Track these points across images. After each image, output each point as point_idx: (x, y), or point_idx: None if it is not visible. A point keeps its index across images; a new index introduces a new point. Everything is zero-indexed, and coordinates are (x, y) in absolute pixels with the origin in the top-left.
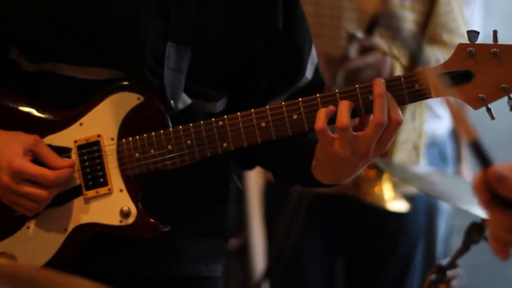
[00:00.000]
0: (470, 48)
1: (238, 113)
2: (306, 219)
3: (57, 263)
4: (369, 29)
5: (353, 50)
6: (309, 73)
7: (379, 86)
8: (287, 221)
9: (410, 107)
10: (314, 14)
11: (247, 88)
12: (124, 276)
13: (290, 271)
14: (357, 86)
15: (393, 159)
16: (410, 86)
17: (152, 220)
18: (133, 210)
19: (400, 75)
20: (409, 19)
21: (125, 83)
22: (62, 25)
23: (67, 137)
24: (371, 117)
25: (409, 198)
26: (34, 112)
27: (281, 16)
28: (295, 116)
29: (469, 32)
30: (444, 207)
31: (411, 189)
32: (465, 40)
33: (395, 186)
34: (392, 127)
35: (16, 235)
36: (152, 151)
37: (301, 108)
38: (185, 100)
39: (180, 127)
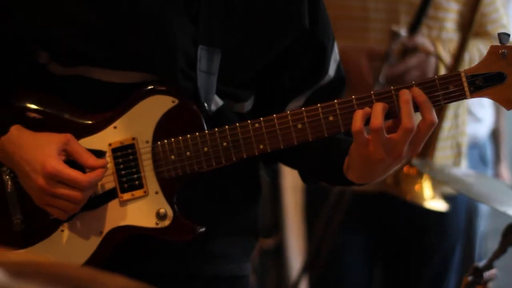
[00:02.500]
0: (503, 50)
1: (274, 115)
2: (346, 218)
3: (92, 266)
4: (413, 28)
5: (395, 48)
6: (331, 71)
7: (406, 93)
8: (327, 220)
9: (452, 106)
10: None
11: (273, 86)
12: (156, 277)
13: (329, 270)
14: (392, 88)
15: (434, 160)
16: (444, 88)
17: (188, 222)
18: (170, 212)
19: (435, 77)
20: (454, 10)
21: (159, 86)
22: (93, 30)
23: (101, 140)
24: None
25: (450, 198)
26: (66, 115)
27: (307, 15)
28: (331, 118)
29: (500, 34)
30: (482, 208)
31: (451, 190)
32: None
33: (435, 185)
34: (426, 128)
35: (49, 238)
36: (188, 153)
37: (337, 110)
38: (217, 101)
39: (216, 129)
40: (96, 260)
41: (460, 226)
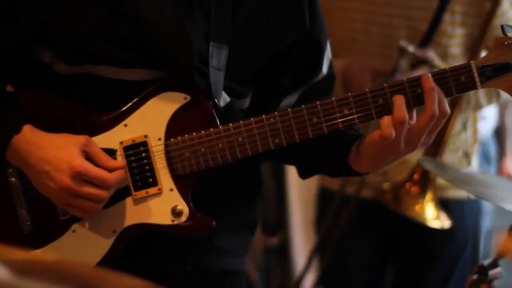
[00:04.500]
0: (509, 42)
1: (289, 110)
2: (353, 223)
3: (107, 266)
4: (425, 40)
5: (403, 64)
6: (325, 68)
7: (429, 80)
8: (333, 225)
9: (461, 118)
10: (364, 31)
11: (270, 83)
12: (162, 273)
13: (335, 274)
14: (405, 80)
15: (442, 159)
16: (456, 79)
17: (204, 217)
18: (185, 209)
19: (446, 68)
20: (459, 35)
21: (170, 82)
22: (107, 28)
23: (112, 138)
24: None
25: (458, 202)
26: (76, 114)
27: (308, 14)
28: (346, 111)
29: (503, 26)
30: (486, 206)
31: (461, 194)
32: None
33: (442, 191)
34: (440, 118)
35: (60, 239)
36: (202, 149)
37: (352, 103)
38: (225, 98)
39: (231, 124)
40: (109, 260)
41: (468, 230)
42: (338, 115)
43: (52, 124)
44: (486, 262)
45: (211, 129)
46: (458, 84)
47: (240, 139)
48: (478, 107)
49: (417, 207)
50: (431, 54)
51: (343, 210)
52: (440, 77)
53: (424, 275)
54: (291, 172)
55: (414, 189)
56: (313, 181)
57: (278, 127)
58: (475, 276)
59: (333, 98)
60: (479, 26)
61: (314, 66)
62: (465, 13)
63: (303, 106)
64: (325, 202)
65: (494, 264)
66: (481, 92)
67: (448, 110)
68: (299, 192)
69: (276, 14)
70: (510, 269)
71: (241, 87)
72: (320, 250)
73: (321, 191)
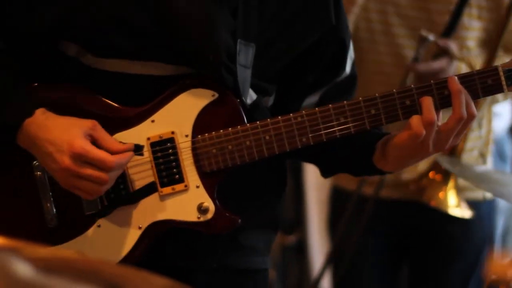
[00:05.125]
0: None
1: (317, 109)
2: (370, 222)
3: (131, 262)
4: (448, 30)
5: (422, 53)
6: (348, 68)
7: (456, 83)
8: (350, 225)
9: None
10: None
11: (294, 81)
12: (186, 270)
13: (352, 272)
14: (432, 82)
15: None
16: (483, 82)
17: (230, 215)
18: (211, 206)
19: (474, 71)
20: (475, 28)
21: (198, 79)
22: (131, 22)
23: (139, 134)
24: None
25: (475, 204)
26: (103, 108)
27: (333, 12)
28: (373, 111)
29: None
30: (502, 206)
31: (477, 195)
32: None
33: (460, 193)
34: (468, 120)
35: (85, 234)
36: (230, 147)
37: (379, 104)
38: (252, 95)
39: (258, 122)
40: (133, 256)
41: (486, 232)
42: (365, 115)
43: (79, 117)
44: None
45: (239, 126)
46: (485, 87)
47: (267, 137)
48: (494, 101)
49: (440, 194)
50: (453, 45)
51: (359, 210)
52: (467, 79)
53: (441, 277)
54: (309, 170)
55: (438, 177)
56: (331, 180)
57: (305, 126)
58: (493, 277)
59: (360, 98)
60: (496, 21)
61: (338, 65)
62: (480, 7)
63: (330, 105)
64: (338, 202)
65: None
66: None
67: (475, 112)
68: (317, 190)
69: (303, 11)
70: None
71: (267, 84)
72: (336, 251)
73: (334, 191)
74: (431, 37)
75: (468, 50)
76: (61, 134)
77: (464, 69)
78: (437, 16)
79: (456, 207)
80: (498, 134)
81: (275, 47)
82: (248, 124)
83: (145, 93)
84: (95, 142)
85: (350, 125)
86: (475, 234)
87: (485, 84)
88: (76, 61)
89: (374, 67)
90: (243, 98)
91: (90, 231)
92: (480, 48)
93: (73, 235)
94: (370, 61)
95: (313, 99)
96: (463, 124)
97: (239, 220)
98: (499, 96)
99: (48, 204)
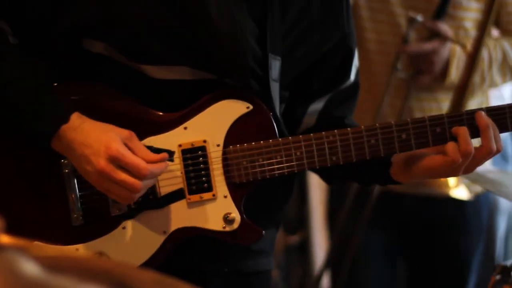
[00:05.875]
0: None
1: (349, 129)
2: (371, 218)
3: (153, 266)
4: (438, 13)
5: (412, 34)
6: (353, 75)
7: (483, 118)
8: (351, 219)
9: (477, 102)
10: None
11: (303, 88)
12: (198, 274)
13: (352, 268)
14: (464, 112)
15: None
16: None
17: (255, 227)
18: (238, 217)
19: (505, 105)
20: (474, 9)
21: (234, 90)
22: (166, 29)
23: (171, 140)
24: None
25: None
26: (136, 112)
27: (347, 20)
28: (404, 136)
29: None
30: (505, 206)
31: (475, 188)
32: None
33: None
34: (496, 153)
35: (110, 235)
36: (260, 160)
37: (410, 129)
38: (280, 108)
39: (290, 138)
40: (155, 260)
41: (483, 225)
42: (396, 140)
43: (111, 119)
44: (508, 262)
45: (270, 140)
46: None
47: (298, 153)
48: (492, 85)
49: None
50: (443, 26)
51: (358, 204)
52: (498, 112)
53: (438, 269)
54: None
55: None
56: None
57: (336, 145)
58: (498, 277)
59: (392, 122)
60: (491, 3)
61: (344, 73)
62: None
63: (362, 127)
64: (338, 196)
65: None
66: (495, 69)
67: (502, 147)
68: (320, 190)
69: (321, 20)
70: None
71: (284, 92)
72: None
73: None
74: (419, 18)
75: (465, 31)
76: (99, 137)
77: (458, 51)
78: None
79: (455, 187)
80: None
81: (294, 56)
82: (280, 139)
83: (171, 97)
84: (130, 151)
85: (381, 147)
86: (472, 226)
87: None
88: (103, 59)
89: (375, 46)
90: (277, 112)
91: (115, 232)
92: (476, 30)
93: (97, 235)
94: (371, 41)
95: (318, 105)
96: (492, 155)
97: (263, 232)
98: (497, 78)
99: (75, 203)
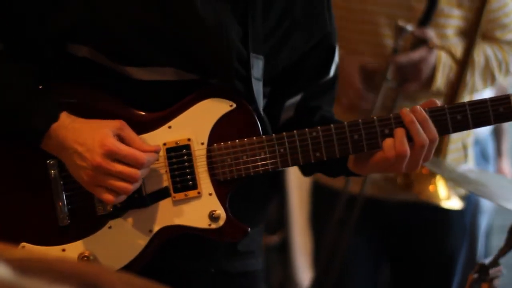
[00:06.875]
0: None
1: (332, 125)
2: (356, 224)
3: (139, 265)
4: (424, 20)
5: (401, 43)
6: (332, 72)
7: (407, 114)
8: (337, 225)
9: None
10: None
11: (283, 84)
12: (184, 274)
13: (338, 275)
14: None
15: (445, 159)
16: (495, 109)
17: (240, 224)
18: (223, 214)
19: (487, 98)
20: (456, 16)
21: (217, 88)
22: (151, 30)
23: (155, 139)
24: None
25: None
26: (120, 112)
27: (329, 19)
28: (386, 131)
29: None
30: (485, 205)
31: (459, 191)
32: None
33: (450, 184)
34: (432, 143)
35: (96, 234)
36: (244, 157)
37: (393, 124)
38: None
39: (274, 135)
40: (141, 259)
41: (466, 225)
42: (379, 134)
43: (98, 119)
44: (486, 260)
45: (254, 138)
46: (497, 115)
47: (282, 150)
48: (474, 90)
49: (431, 187)
50: (431, 34)
51: (338, 207)
52: (481, 106)
53: (424, 273)
54: (291, 170)
55: (425, 170)
56: (313, 179)
57: (320, 141)
58: (475, 275)
59: (374, 117)
60: (475, 9)
61: (324, 70)
62: None
63: (345, 123)
64: (319, 198)
65: (494, 263)
66: (478, 74)
67: (436, 134)
68: (299, 190)
69: (303, 19)
70: (511, 268)
71: (265, 88)
72: (318, 247)
73: (315, 187)
74: (409, 27)
75: (446, 39)
76: (91, 135)
77: (444, 57)
78: (415, 2)
79: (447, 199)
80: (481, 134)
81: (277, 55)
82: (264, 136)
83: (155, 98)
84: (123, 141)
85: (364, 143)
86: (456, 228)
87: (497, 112)
88: (88, 63)
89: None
90: (260, 110)
91: (101, 232)
92: (458, 36)
93: (83, 235)
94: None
95: (295, 99)
96: (428, 147)
97: (249, 229)
98: (479, 84)
99: (61, 203)
